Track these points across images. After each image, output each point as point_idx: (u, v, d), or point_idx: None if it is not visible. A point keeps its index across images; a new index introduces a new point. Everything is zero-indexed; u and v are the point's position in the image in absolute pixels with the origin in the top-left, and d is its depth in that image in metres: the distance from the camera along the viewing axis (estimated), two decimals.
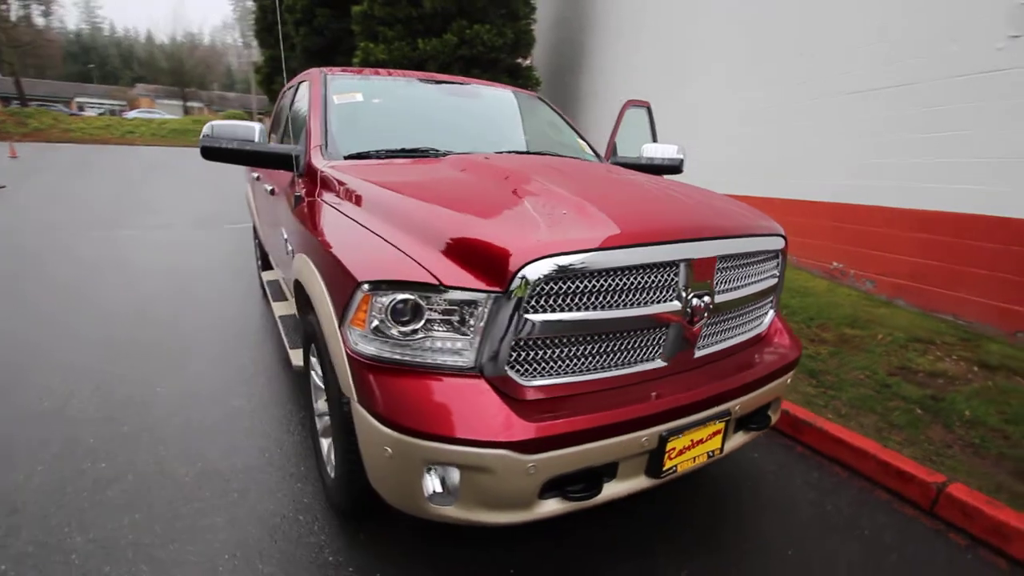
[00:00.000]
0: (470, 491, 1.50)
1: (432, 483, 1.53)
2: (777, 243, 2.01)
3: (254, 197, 4.36)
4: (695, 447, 1.76)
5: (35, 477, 2.24)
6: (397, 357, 1.52)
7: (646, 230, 1.63)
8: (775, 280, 2.08)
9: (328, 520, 2.09)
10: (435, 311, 1.49)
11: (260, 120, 16.31)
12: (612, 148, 3.52)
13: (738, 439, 1.97)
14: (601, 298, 1.57)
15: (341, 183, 2.10)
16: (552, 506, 1.58)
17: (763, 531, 2.14)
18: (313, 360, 2.22)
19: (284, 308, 3.34)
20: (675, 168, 3.26)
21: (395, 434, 1.48)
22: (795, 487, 2.45)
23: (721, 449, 1.85)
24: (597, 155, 3.24)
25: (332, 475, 2.05)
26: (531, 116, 3.37)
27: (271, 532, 2.01)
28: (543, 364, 1.56)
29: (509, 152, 2.77)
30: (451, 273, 1.48)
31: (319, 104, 2.66)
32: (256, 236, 4.83)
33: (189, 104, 52.69)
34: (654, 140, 3.95)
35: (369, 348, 1.55)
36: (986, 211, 3.93)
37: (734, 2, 6.51)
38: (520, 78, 10.33)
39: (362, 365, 1.57)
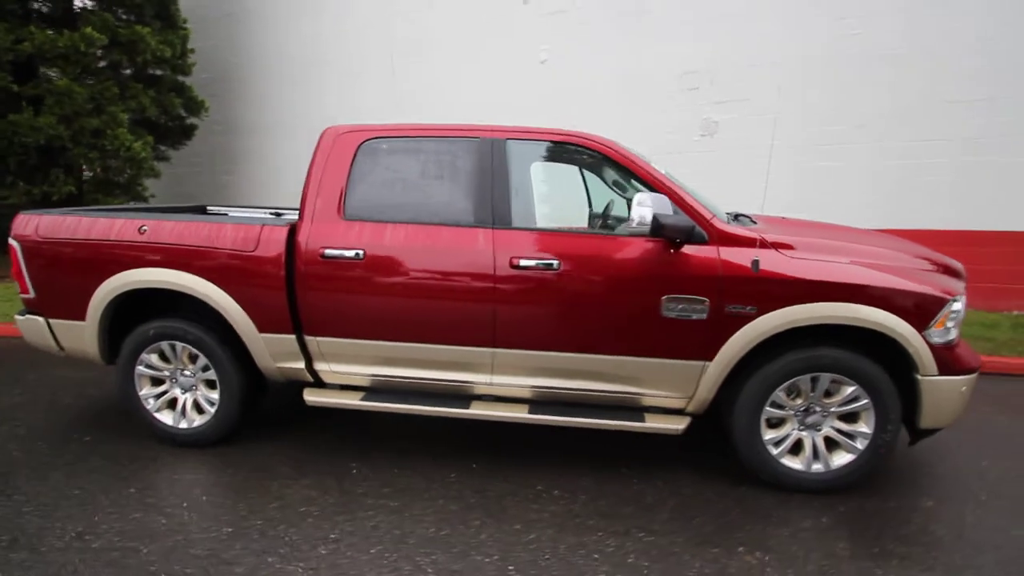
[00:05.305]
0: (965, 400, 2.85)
1: None
2: None
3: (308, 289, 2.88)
4: None
5: None
6: (953, 338, 2.69)
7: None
8: None
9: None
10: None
11: None
12: None
13: None
14: None
15: (804, 246, 2.72)
16: None
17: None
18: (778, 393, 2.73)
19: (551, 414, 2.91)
20: None
21: (971, 376, 2.69)
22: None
23: None
24: None
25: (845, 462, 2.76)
26: None
27: None
28: None
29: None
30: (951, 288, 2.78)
31: (660, 174, 2.84)
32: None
33: None
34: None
35: (944, 339, 2.65)
36: None
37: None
38: (187, 99, 8.23)
39: (943, 351, 2.63)
